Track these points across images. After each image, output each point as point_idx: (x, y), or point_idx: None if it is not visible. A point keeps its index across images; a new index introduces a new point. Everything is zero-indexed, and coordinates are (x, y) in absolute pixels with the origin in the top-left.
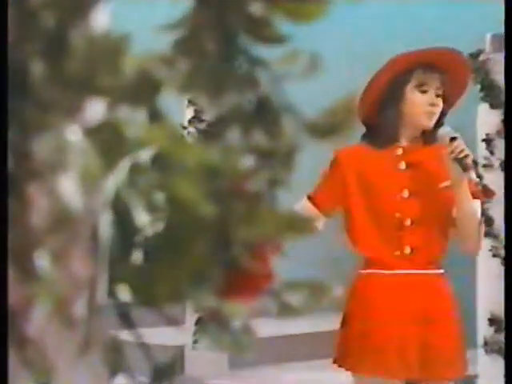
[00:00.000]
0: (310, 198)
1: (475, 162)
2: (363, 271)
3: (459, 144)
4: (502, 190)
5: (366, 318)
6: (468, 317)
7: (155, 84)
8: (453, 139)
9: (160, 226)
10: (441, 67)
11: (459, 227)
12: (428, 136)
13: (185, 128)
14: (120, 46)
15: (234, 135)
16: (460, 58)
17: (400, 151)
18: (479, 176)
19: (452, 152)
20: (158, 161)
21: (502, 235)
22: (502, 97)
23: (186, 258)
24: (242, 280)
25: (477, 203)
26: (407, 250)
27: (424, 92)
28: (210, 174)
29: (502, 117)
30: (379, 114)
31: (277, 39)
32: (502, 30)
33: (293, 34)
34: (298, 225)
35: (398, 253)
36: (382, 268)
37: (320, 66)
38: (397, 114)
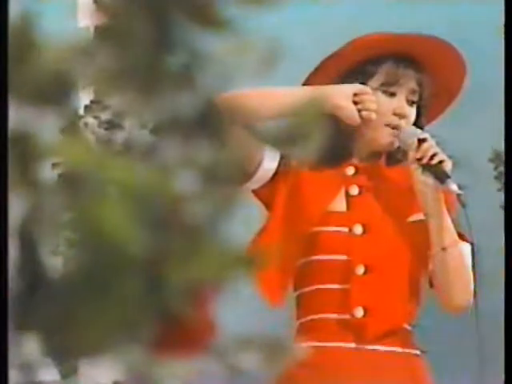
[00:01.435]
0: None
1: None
2: (298, 343)
3: (429, 146)
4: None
5: None
6: None
7: (70, 82)
8: (421, 142)
9: (76, 264)
10: (420, 61)
11: (437, 278)
12: (390, 155)
13: (81, 118)
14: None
15: (169, 147)
16: (449, 51)
17: (351, 170)
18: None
19: (421, 158)
20: (71, 180)
21: None
22: None
23: (108, 304)
24: (177, 332)
25: (464, 245)
26: (358, 313)
27: (391, 95)
28: (139, 198)
29: None
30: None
31: (220, 24)
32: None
33: (251, 23)
34: (248, 262)
35: (342, 316)
36: (320, 339)
37: (280, 58)
38: None
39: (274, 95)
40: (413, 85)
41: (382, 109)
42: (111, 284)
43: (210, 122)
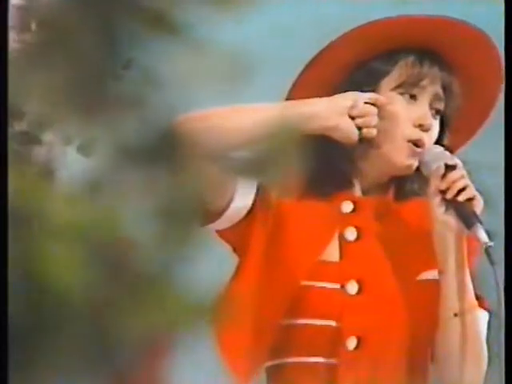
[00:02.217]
0: None
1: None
2: None
3: (459, 177)
4: None
5: None
6: None
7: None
8: (449, 169)
9: (16, 306)
10: (447, 56)
11: (440, 351)
12: (403, 184)
13: None
14: None
15: (117, 178)
16: (485, 43)
17: (349, 207)
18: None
19: (446, 191)
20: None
21: None
22: None
23: (47, 351)
24: None
25: (482, 312)
26: None
27: (411, 98)
28: (82, 236)
29: None
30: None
31: (177, 33)
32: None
33: (215, 32)
34: (209, 316)
35: None
36: None
37: (245, 71)
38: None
39: (243, 115)
40: (438, 88)
41: (398, 117)
42: (52, 331)
43: (167, 149)
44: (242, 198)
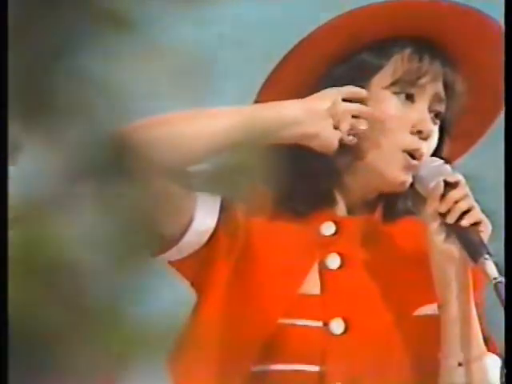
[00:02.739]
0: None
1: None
2: None
3: (462, 196)
4: None
5: None
6: None
7: None
8: (449, 186)
9: None
10: (449, 48)
11: None
12: (395, 201)
13: None
14: None
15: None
16: (497, 32)
17: (331, 229)
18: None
19: (446, 214)
20: None
21: None
22: None
23: None
24: None
25: (492, 358)
26: None
27: (408, 99)
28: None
29: None
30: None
31: (122, 28)
32: None
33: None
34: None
35: None
36: None
37: (205, 72)
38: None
39: (203, 121)
40: (439, 87)
41: (392, 122)
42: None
43: (115, 162)
44: (203, 220)
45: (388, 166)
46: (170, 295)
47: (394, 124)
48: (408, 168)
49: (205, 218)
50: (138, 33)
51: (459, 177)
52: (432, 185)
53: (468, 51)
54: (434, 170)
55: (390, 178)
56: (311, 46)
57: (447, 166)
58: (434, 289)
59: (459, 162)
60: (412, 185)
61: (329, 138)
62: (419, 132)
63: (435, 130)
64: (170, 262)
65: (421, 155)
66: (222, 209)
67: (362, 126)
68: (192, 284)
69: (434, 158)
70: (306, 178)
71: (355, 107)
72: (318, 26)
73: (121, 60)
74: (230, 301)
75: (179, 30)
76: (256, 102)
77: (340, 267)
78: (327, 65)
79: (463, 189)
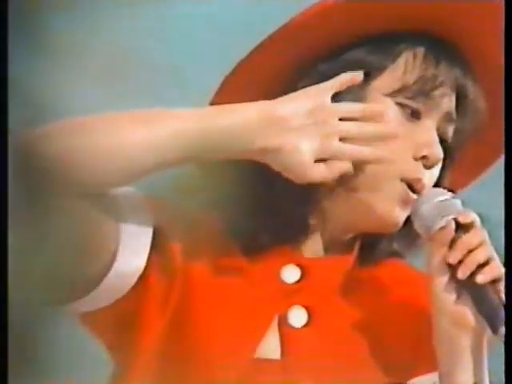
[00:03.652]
0: None
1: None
2: None
3: (478, 244)
4: None
5: None
6: None
7: None
8: (462, 229)
9: None
10: (466, 49)
11: None
12: (377, 240)
13: None
14: None
15: None
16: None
17: (295, 273)
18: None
19: (457, 266)
20: None
21: None
22: None
23: None
24: None
25: None
26: None
27: (414, 116)
28: None
29: None
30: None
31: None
32: None
33: None
34: None
35: None
36: None
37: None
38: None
39: (138, 128)
40: (452, 104)
41: (394, 141)
42: None
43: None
44: (128, 259)
45: (381, 198)
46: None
47: (394, 144)
48: (405, 203)
49: (130, 256)
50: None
51: (473, 216)
52: (438, 226)
53: (494, 55)
54: (441, 207)
55: (382, 214)
56: (286, 39)
57: (458, 202)
58: (432, 354)
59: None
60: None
61: (299, 160)
62: (424, 158)
63: (439, 152)
64: (81, 316)
65: (422, 187)
66: (155, 244)
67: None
68: (109, 348)
69: (439, 189)
70: (267, 203)
71: (349, 109)
72: (298, 15)
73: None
74: (164, 371)
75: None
76: (212, 103)
77: (306, 324)
78: (305, 60)
79: (479, 233)
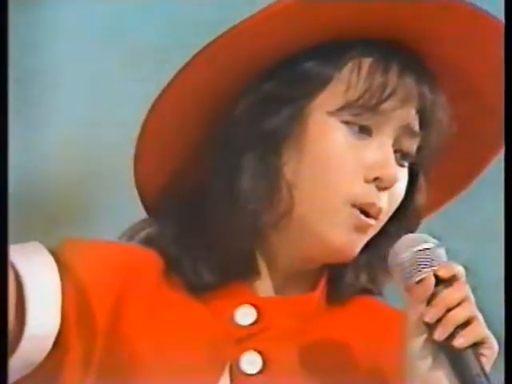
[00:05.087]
0: None
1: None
2: None
3: (459, 301)
4: None
5: None
6: None
7: None
8: (442, 284)
9: None
10: (431, 55)
11: None
12: (343, 275)
13: None
14: None
15: None
16: (496, 31)
17: (250, 315)
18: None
19: (436, 327)
20: None
21: None
22: None
23: None
24: None
25: None
26: None
27: (364, 132)
28: None
29: None
30: (204, 180)
31: None
32: None
33: None
34: None
35: None
36: None
37: None
38: (265, 188)
39: None
40: (411, 115)
41: (338, 164)
42: None
43: None
44: (39, 318)
45: (331, 226)
46: None
47: (341, 168)
48: (360, 229)
49: (41, 313)
50: None
51: (457, 269)
52: (417, 279)
53: (458, 61)
54: (422, 257)
55: (333, 243)
56: (228, 53)
57: (442, 251)
58: None
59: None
60: (365, 251)
61: None
62: (377, 179)
63: (402, 176)
64: None
65: (377, 212)
66: (66, 291)
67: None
68: None
69: (423, 236)
70: (206, 239)
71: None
72: (236, 25)
73: None
74: None
75: None
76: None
77: (260, 371)
78: (247, 75)
79: (462, 288)
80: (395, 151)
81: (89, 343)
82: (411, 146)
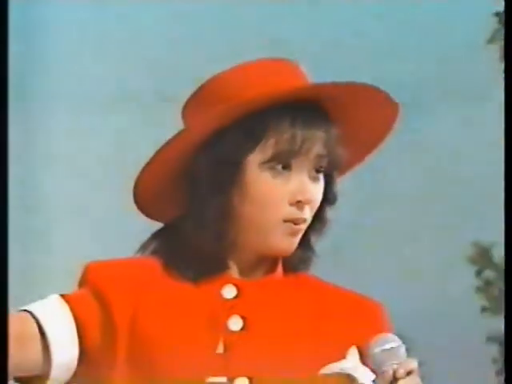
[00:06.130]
0: None
1: None
2: None
3: None
4: None
5: None
6: None
7: None
8: (400, 375)
9: None
10: (327, 108)
11: None
12: (294, 259)
13: None
14: None
15: None
16: (370, 92)
17: (232, 292)
18: None
19: None
20: None
21: None
22: None
23: None
24: None
25: None
26: None
27: (286, 168)
28: None
29: None
30: (184, 210)
31: None
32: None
33: None
34: None
35: None
36: None
37: None
38: (222, 220)
39: None
40: (319, 148)
41: (275, 198)
42: None
43: None
44: (61, 346)
45: (270, 235)
46: None
47: (272, 199)
48: (293, 234)
49: (62, 340)
50: None
51: (413, 365)
52: (381, 371)
53: (344, 106)
54: (388, 354)
55: (276, 248)
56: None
57: (403, 350)
58: (340, 345)
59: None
60: (304, 243)
61: None
62: (298, 202)
63: (318, 188)
64: None
65: (304, 221)
66: (91, 310)
67: None
68: None
69: (391, 336)
70: (196, 239)
71: None
72: (197, 89)
73: None
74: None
75: None
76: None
77: (242, 329)
78: (199, 139)
79: (414, 380)
80: (315, 170)
81: (113, 348)
82: (323, 163)
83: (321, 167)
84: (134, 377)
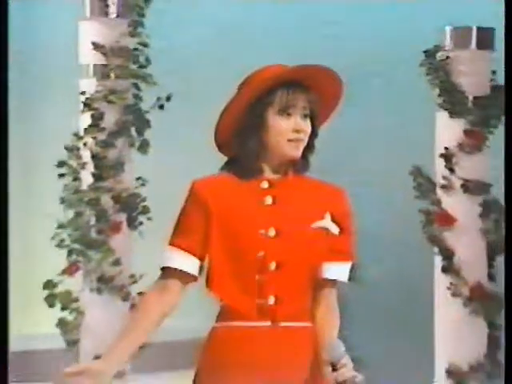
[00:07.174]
0: (176, 245)
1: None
2: (218, 324)
3: (350, 369)
4: (463, 216)
5: (218, 378)
6: (424, 369)
7: None
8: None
9: None
10: (307, 84)
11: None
12: (298, 165)
13: (81, 138)
14: None
15: None
16: (329, 74)
17: (265, 184)
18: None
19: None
20: None
21: (464, 271)
22: (466, 103)
23: None
24: None
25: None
26: (271, 300)
27: (288, 115)
28: None
29: (466, 127)
30: (238, 142)
31: None
32: (464, 22)
33: None
34: None
35: (259, 301)
36: (239, 319)
37: None
38: (258, 144)
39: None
40: (304, 103)
41: (284, 129)
42: None
43: None
44: (184, 261)
45: (284, 149)
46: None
47: (282, 130)
48: (296, 147)
49: (183, 259)
50: None
51: (348, 360)
52: (342, 362)
53: (318, 85)
54: (341, 352)
55: (287, 154)
56: (245, 91)
57: (338, 346)
58: (321, 210)
59: None
60: (305, 154)
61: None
62: (297, 131)
63: (307, 127)
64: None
65: (301, 140)
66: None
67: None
68: (200, 258)
69: (340, 343)
70: (246, 159)
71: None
72: (247, 77)
73: None
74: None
75: None
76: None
77: (272, 203)
78: (253, 101)
79: (350, 364)
80: (303, 117)
81: (212, 222)
82: (307, 111)
83: (306, 114)
84: (224, 248)
